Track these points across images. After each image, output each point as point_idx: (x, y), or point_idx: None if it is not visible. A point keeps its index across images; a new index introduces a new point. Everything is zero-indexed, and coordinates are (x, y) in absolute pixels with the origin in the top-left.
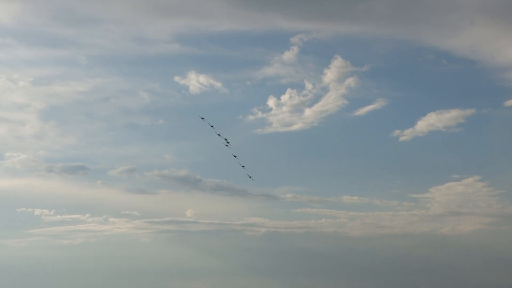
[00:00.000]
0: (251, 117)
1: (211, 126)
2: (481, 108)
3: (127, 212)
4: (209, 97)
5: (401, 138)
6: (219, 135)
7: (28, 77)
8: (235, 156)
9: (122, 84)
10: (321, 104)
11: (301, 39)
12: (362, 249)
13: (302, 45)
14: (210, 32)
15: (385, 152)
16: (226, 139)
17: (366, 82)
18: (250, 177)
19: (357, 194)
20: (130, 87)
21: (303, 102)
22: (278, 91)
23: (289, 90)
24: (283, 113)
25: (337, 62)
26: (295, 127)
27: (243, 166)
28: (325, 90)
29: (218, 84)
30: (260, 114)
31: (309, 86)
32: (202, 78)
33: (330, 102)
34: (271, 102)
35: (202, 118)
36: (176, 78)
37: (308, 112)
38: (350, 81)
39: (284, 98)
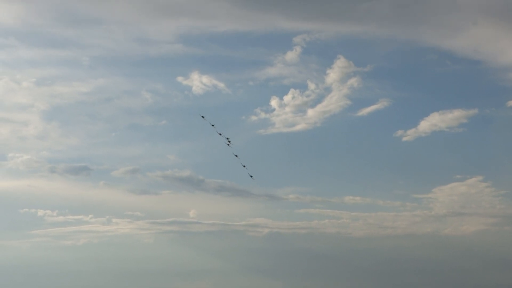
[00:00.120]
0: (254, 118)
1: (212, 125)
2: (484, 108)
3: (130, 212)
4: (212, 98)
5: (404, 138)
6: (220, 134)
7: (31, 78)
8: (236, 156)
9: (125, 84)
10: (324, 104)
11: (304, 39)
12: (365, 250)
13: (304, 45)
14: (212, 33)
15: (388, 152)
16: (227, 138)
17: (369, 82)
18: (251, 176)
19: (360, 194)
20: (133, 87)
21: (306, 102)
22: (281, 92)
23: (292, 90)
24: (286, 113)
25: (340, 63)
26: (298, 127)
27: (244, 166)
28: (328, 90)
29: (221, 85)
30: (263, 115)
31: (312, 86)
32: (205, 79)
33: (333, 102)
34: (274, 102)
35: (202, 117)
36: (179, 79)
37: (311, 112)
38: (353, 81)
39: (287, 98)
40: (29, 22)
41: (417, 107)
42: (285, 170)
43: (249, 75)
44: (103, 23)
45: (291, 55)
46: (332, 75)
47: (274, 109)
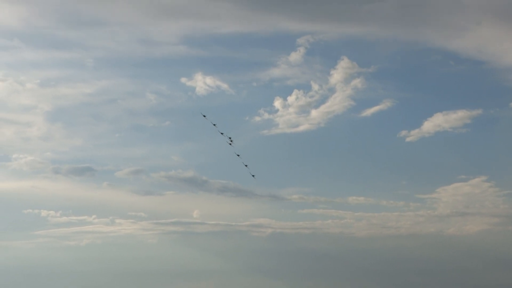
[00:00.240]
0: (257, 118)
1: (214, 125)
2: (488, 109)
3: (133, 213)
4: (215, 99)
5: (408, 139)
6: (222, 133)
7: (35, 79)
8: (238, 155)
9: (129, 85)
10: (327, 105)
11: (308, 40)
12: (368, 250)
13: (308, 46)
14: (216, 34)
15: (392, 152)
16: (230, 138)
17: (373, 83)
18: (253, 176)
19: (364, 194)
20: (137, 88)
21: (309, 103)
22: (285, 92)
23: (295, 91)
24: (289, 114)
25: (344, 63)
26: (302, 128)
27: (246, 165)
28: (332, 91)
29: (224, 86)
30: (266, 115)
31: (315, 87)
32: (209, 80)
33: (337, 103)
34: (277, 103)
35: (204, 116)
36: (183, 80)
37: (314, 113)
38: (357, 82)
39: (291, 99)
40: (33, 24)
41: (421, 108)
42: (289, 170)
43: (253, 76)
44: (107, 25)
45: (295, 56)
46: (336, 76)
47: (277, 110)
